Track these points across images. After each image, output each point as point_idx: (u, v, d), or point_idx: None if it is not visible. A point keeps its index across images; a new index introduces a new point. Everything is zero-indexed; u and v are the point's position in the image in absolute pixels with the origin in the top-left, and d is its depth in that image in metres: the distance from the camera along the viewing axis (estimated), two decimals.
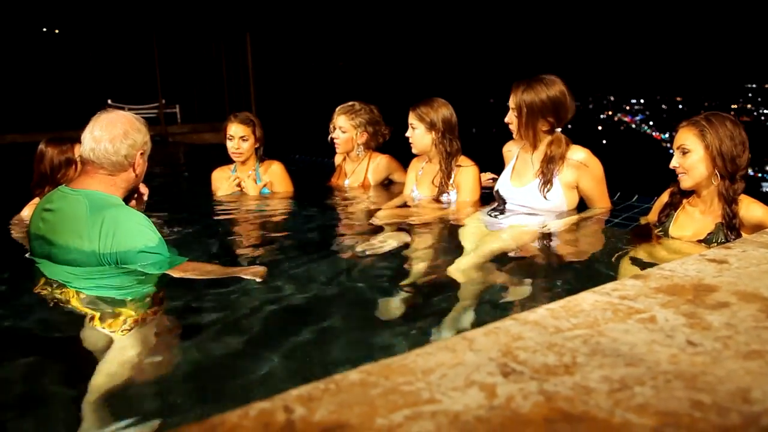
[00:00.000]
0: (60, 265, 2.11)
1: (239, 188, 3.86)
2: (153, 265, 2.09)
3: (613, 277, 2.07)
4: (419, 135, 3.37)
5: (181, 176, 5.42)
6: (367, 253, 2.51)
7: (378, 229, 2.87)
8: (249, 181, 3.83)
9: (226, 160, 3.92)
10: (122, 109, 2.40)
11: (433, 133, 3.33)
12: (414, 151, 3.45)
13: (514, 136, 2.93)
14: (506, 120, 2.89)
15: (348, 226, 3.15)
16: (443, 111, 3.33)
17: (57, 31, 13.48)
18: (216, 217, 3.40)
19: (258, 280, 2.01)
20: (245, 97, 9.03)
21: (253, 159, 3.86)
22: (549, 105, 2.78)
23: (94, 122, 2.20)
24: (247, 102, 8.78)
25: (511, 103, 2.86)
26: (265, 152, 3.91)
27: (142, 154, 2.25)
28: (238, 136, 3.76)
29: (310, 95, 6.64)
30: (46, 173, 3.07)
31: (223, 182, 3.90)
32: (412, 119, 3.37)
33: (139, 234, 2.11)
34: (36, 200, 3.09)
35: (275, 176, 3.87)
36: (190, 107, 11.89)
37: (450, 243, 2.62)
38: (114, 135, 2.17)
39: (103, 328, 1.78)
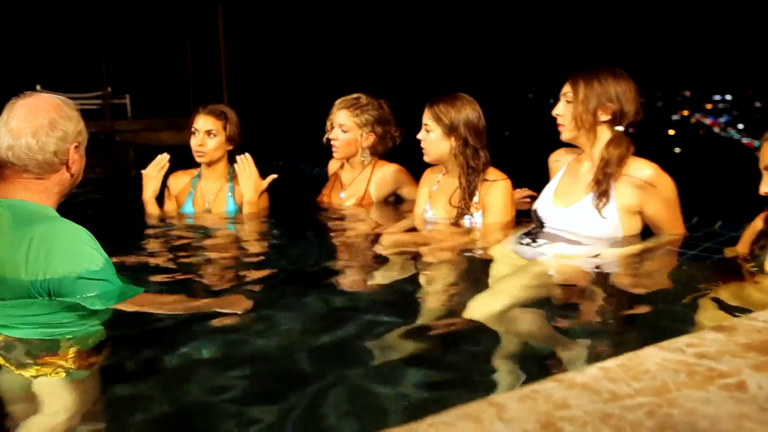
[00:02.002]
0: None
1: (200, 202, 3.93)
2: (98, 297, 2.09)
3: (687, 329, 2.06)
4: (434, 140, 3.40)
5: (130, 185, 5.43)
6: (367, 289, 2.55)
7: (381, 259, 2.91)
8: (215, 194, 3.91)
9: (190, 165, 4.00)
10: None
11: (453, 139, 3.35)
12: (426, 159, 3.48)
13: (562, 135, 2.96)
14: (555, 111, 2.94)
15: (342, 255, 3.19)
16: (467, 111, 3.34)
17: None
18: (171, 242, 3.43)
19: (239, 312, 2.02)
20: (215, 87, 9.07)
21: (223, 165, 3.92)
22: (612, 93, 2.83)
23: (9, 112, 2.20)
24: (218, 92, 8.82)
25: (565, 88, 2.91)
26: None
27: (76, 147, 2.25)
28: (204, 130, 3.82)
29: (298, 86, 6.71)
30: None
31: (181, 193, 3.97)
32: (426, 119, 3.40)
33: (79, 255, 2.10)
34: None
35: (254, 190, 3.89)
36: (143, 98, 12.03)
37: (472, 278, 2.66)
38: (37, 126, 2.18)
39: (29, 379, 1.77)
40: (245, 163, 3.82)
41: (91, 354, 1.94)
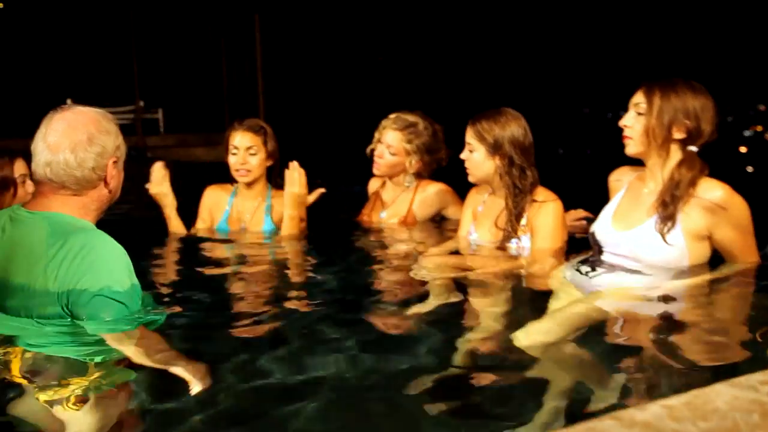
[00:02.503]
0: (4, 317, 2.15)
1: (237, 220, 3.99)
2: (107, 321, 2.10)
3: (761, 365, 1.94)
4: (478, 160, 3.39)
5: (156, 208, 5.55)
6: (407, 314, 2.54)
7: (421, 284, 2.91)
8: (252, 213, 3.98)
9: (225, 182, 4.06)
10: None
11: (497, 158, 3.34)
12: (471, 179, 3.48)
13: (628, 149, 2.86)
14: (623, 122, 2.84)
15: (382, 279, 3.20)
16: (512, 128, 3.32)
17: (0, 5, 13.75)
18: (204, 262, 3.48)
19: (194, 389, 1.90)
20: (251, 101, 9.13)
21: (262, 182, 3.97)
22: (690, 108, 2.72)
23: (47, 127, 2.25)
24: (254, 107, 8.87)
25: (637, 98, 2.82)
26: (282, 176, 4.00)
27: (114, 162, 2.30)
28: (245, 148, 3.86)
29: (337, 100, 6.71)
30: None
31: (217, 208, 4.04)
32: (469, 137, 3.40)
33: (107, 272, 2.13)
34: None
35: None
36: (176, 112, 12.18)
37: (520, 306, 2.64)
38: (76, 142, 2.23)
39: (49, 401, 1.79)
40: (298, 172, 3.80)
41: (116, 373, 1.97)
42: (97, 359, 2.01)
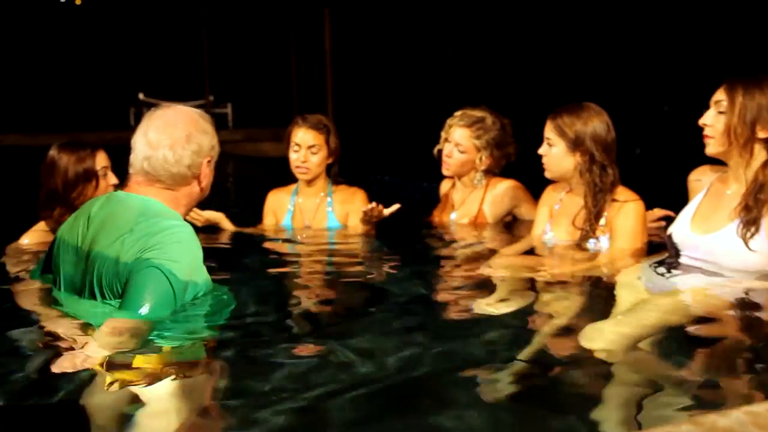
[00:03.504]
0: (87, 297, 2.26)
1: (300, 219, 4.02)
2: (148, 296, 2.13)
3: None
4: (557, 155, 3.36)
5: (229, 199, 5.64)
6: (476, 316, 2.52)
7: (491, 285, 2.88)
8: (314, 211, 4.00)
9: (290, 179, 4.08)
10: (155, 105, 2.55)
11: (578, 154, 3.30)
12: (548, 175, 3.45)
13: (708, 148, 2.79)
14: (703, 121, 2.77)
15: (451, 279, 3.19)
16: (594, 123, 3.28)
17: (78, 1, 14.03)
18: (268, 259, 3.54)
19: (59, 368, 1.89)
20: (320, 96, 9.18)
21: (322, 180, 4.00)
22: None
23: (148, 123, 2.37)
24: (323, 102, 8.92)
25: (719, 96, 2.75)
26: (341, 172, 4.05)
27: (209, 161, 2.42)
28: (306, 146, 3.88)
29: (407, 94, 6.68)
30: (57, 189, 3.23)
31: (280, 209, 4.09)
32: (549, 132, 3.36)
33: (175, 253, 2.21)
34: (41, 225, 3.30)
35: (355, 209, 3.95)
36: (245, 107, 12.34)
37: (595, 307, 2.62)
38: (174, 139, 2.34)
39: (128, 380, 1.84)
40: (376, 212, 3.78)
41: (196, 354, 2.07)
42: (174, 341, 2.10)
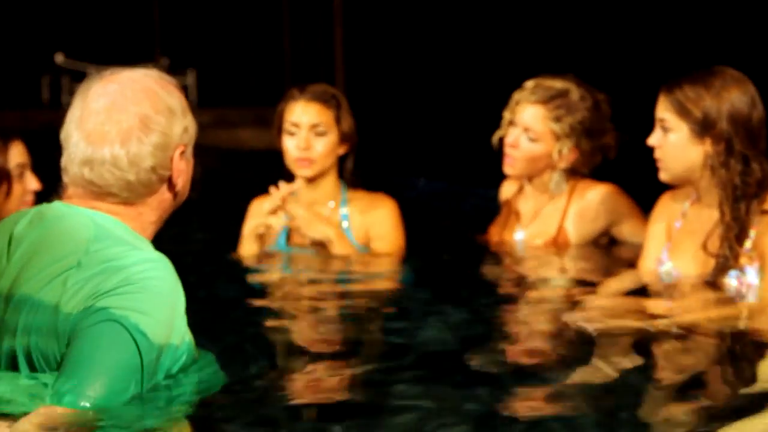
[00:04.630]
0: (5, 368, 2.15)
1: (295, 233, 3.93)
2: (84, 378, 2.01)
3: None
4: (676, 145, 3.25)
5: (192, 213, 5.54)
6: (560, 387, 2.43)
7: (582, 339, 2.84)
8: (322, 225, 3.83)
9: (283, 179, 3.96)
10: (82, 72, 2.37)
11: (708, 142, 3.20)
12: (663, 176, 3.33)
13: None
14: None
15: (517, 330, 3.14)
16: (733, 97, 3.18)
17: None
18: (260, 305, 3.48)
19: None
20: (324, 64, 9.08)
21: (333, 179, 3.90)
22: None
23: (82, 105, 2.24)
24: (329, 74, 8.79)
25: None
26: (361, 170, 3.97)
27: (182, 152, 2.30)
28: (309, 125, 3.79)
29: (449, 64, 6.58)
30: None
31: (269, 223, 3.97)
32: (664, 111, 3.25)
33: (146, 301, 2.09)
34: None
35: (380, 223, 3.88)
36: (215, 76, 12.27)
37: (739, 381, 2.54)
38: (126, 129, 2.21)
39: None
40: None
41: None
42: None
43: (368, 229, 3.86)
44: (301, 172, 3.80)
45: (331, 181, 3.87)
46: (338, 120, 3.79)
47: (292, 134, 3.77)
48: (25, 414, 2.00)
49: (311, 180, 3.84)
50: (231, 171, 7.37)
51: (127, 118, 2.21)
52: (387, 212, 3.87)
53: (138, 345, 2.04)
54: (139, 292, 2.10)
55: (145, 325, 2.06)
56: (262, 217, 3.92)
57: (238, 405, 2.33)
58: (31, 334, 2.12)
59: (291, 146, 3.77)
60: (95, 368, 2.02)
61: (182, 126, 2.28)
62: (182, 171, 2.30)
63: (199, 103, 12.01)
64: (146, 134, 2.22)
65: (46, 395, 2.04)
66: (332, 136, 3.78)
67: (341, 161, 3.90)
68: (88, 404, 1.99)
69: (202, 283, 3.59)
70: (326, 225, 3.85)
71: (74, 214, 2.23)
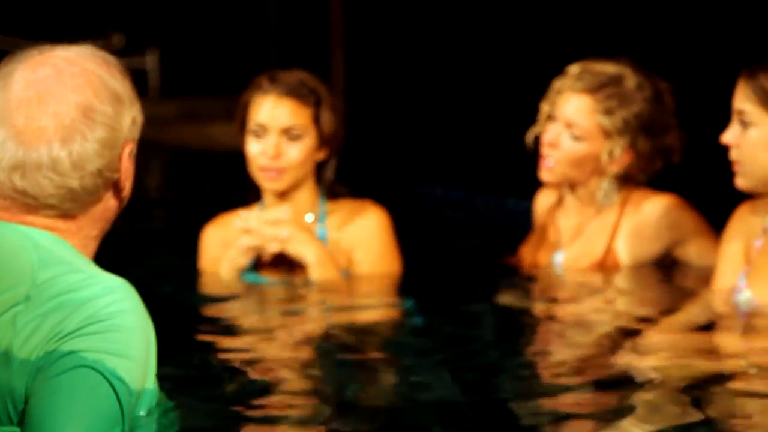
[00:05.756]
0: None
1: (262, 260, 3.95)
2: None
3: None
4: (760, 141, 3.31)
5: (156, 225, 5.62)
6: None
7: (636, 384, 2.88)
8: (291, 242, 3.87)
9: (249, 192, 4.03)
10: (12, 48, 2.45)
11: None
12: (741, 183, 3.38)
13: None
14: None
15: (556, 373, 3.15)
16: None
17: None
18: (224, 346, 3.52)
19: None
20: (320, 45, 9.12)
21: (308, 189, 3.95)
22: None
23: (7, 93, 2.23)
24: (323, 57, 8.83)
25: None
26: (345, 176, 3.99)
27: (130, 151, 2.30)
28: (279, 128, 3.82)
29: (471, 49, 6.64)
30: None
31: (226, 252, 4.00)
32: (743, 102, 3.30)
33: (112, 343, 2.09)
34: None
35: (366, 239, 3.92)
36: (181, 58, 12.32)
37: None
38: (67, 124, 2.20)
39: None
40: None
41: None
42: None
43: (352, 248, 3.88)
44: (268, 184, 3.85)
45: (306, 193, 3.92)
46: (317, 119, 3.82)
47: (258, 137, 3.81)
48: None
49: (281, 194, 3.87)
50: (200, 175, 7.59)
51: (67, 109, 2.19)
52: (372, 224, 3.89)
53: (117, 392, 2.06)
54: (110, 331, 2.10)
55: (122, 370, 2.08)
56: (235, 243, 3.88)
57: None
58: None
59: (256, 152, 3.81)
60: (73, 422, 2.03)
61: (131, 116, 2.29)
62: (129, 172, 2.31)
63: (162, 92, 12.14)
64: (91, 129, 2.21)
65: None
66: (309, 140, 3.82)
67: (321, 167, 3.91)
68: None
69: (166, 316, 3.53)
70: (315, 243, 3.83)
71: (7, 233, 2.22)
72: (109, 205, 2.28)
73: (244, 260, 3.86)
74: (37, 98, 2.18)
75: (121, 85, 2.28)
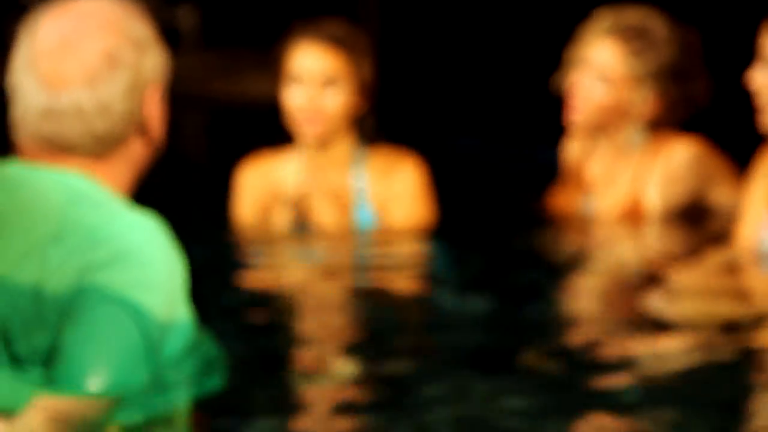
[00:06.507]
0: None
1: (300, 214, 3.99)
2: (83, 365, 2.10)
3: None
4: None
5: (194, 178, 5.66)
6: (636, 385, 2.49)
7: (663, 327, 2.93)
8: (329, 196, 3.95)
9: (285, 139, 4.04)
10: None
11: None
12: (766, 124, 3.34)
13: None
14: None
15: (591, 320, 3.18)
16: None
17: None
18: (262, 291, 3.57)
19: None
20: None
21: (347, 141, 3.97)
22: None
23: (33, 43, 2.27)
24: (353, 7, 8.81)
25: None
26: (385, 127, 4.00)
27: (155, 93, 2.34)
28: (317, 75, 3.84)
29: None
30: None
31: (268, 193, 4.07)
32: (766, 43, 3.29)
33: (137, 277, 2.14)
34: None
35: (404, 188, 3.93)
36: (218, 9, 12.29)
37: None
38: (89, 68, 2.24)
39: None
40: None
41: None
42: None
43: (389, 197, 3.90)
44: (306, 129, 3.84)
45: (343, 144, 3.93)
46: (355, 68, 3.83)
47: (296, 84, 3.83)
48: (12, 413, 2.07)
49: (320, 143, 3.89)
50: (238, 129, 7.42)
51: (90, 55, 2.23)
52: (409, 176, 3.90)
53: (141, 327, 2.10)
54: (135, 265, 2.14)
55: (146, 303, 2.11)
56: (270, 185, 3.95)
57: (246, 387, 2.44)
58: (10, 321, 2.15)
59: (294, 99, 3.82)
60: (97, 355, 2.08)
61: (153, 61, 2.31)
62: (156, 115, 2.34)
63: (197, 44, 12.15)
64: (114, 73, 2.24)
65: (32, 391, 2.09)
66: (347, 88, 3.83)
67: (360, 119, 3.92)
68: (92, 391, 2.05)
69: (202, 258, 3.55)
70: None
71: (40, 176, 2.26)
72: (138, 147, 2.33)
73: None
74: (61, 46, 2.22)
75: (143, 30, 2.31)
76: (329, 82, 3.82)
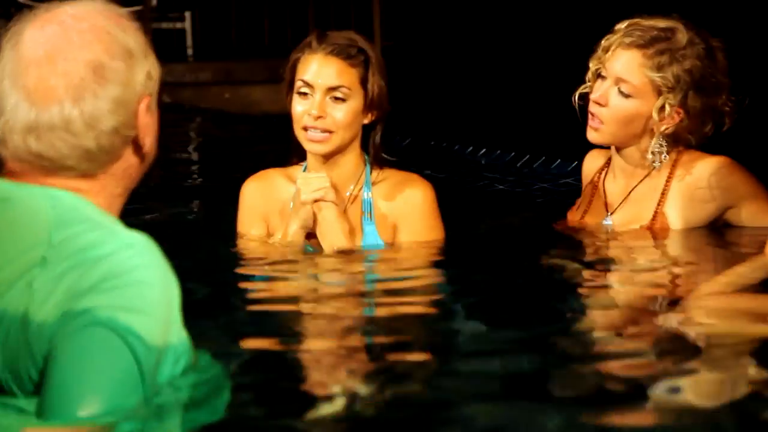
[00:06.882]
0: None
1: (305, 227, 3.89)
2: (74, 393, 2.04)
3: None
4: None
5: (193, 189, 5.63)
6: (658, 401, 2.43)
7: (683, 346, 2.92)
8: (332, 212, 3.83)
9: (290, 154, 4.01)
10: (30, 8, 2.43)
11: None
12: None
13: None
14: None
15: (607, 340, 3.13)
16: None
17: None
18: (258, 301, 3.58)
19: None
20: (360, 8, 9.04)
21: (356, 156, 3.94)
22: None
23: (17, 54, 2.21)
24: (365, 19, 8.78)
25: None
26: (391, 141, 3.98)
27: (147, 105, 2.28)
28: (326, 87, 3.79)
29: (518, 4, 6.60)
30: None
31: (272, 213, 4.02)
32: None
33: (129, 299, 2.10)
34: None
35: (411, 213, 3.89)
36: (216, 21, 12.28)
37: None
38: (76, 82, 2.18)
39: None
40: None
41: None
42: None
43: (396, 221, 3.87)
44: (312, 146, 3.80)
45: (352, 160, 3.90)
46: (365, 81, 3.79)
47: (304, 96, 3.78)
48: None
49: (326, 157, 3.84)
50: (238, 139, 7.43)
51: (76, 67, 2.19)
52: (418, 199, 3.86)
53: (134, 351, 2.06)
54: (126, 287, 2.09)
55: (139, 326, 2.07)
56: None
57: (246, 413, 2.40)
58: None
59: (301, 111, 3.76)
60: (87, 382, 2.04)
61: (144, 71, 2.27)
62: (149, 128, 2.30)
63: (195, 55, 12.12)
64: (102, 87, 2.20)
65: (22, 422, 2.07)
66: (356, 102, 3.78)
67: (368, 131, 3.88)
68: (84, 419, 2.01)
69: (199, 275, 3.59)
70: (343, 217, 3.85)
71: (27, 195, 2.21)
72: (130, 162, 2.29)
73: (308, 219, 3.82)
74: (46, 57, 2.18)
75: (133, 39, 2.27)
76: (339, 95, 3.77)
